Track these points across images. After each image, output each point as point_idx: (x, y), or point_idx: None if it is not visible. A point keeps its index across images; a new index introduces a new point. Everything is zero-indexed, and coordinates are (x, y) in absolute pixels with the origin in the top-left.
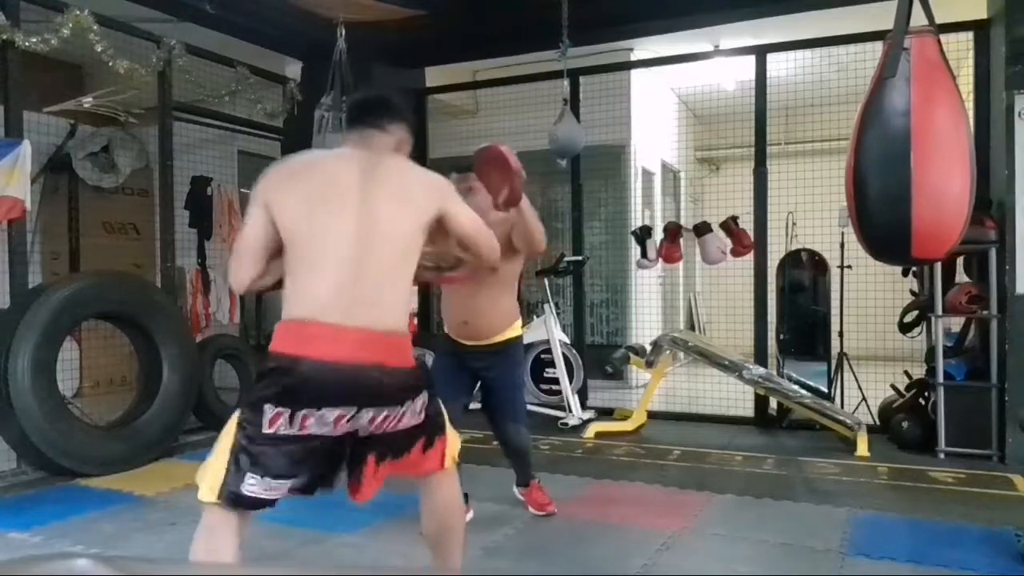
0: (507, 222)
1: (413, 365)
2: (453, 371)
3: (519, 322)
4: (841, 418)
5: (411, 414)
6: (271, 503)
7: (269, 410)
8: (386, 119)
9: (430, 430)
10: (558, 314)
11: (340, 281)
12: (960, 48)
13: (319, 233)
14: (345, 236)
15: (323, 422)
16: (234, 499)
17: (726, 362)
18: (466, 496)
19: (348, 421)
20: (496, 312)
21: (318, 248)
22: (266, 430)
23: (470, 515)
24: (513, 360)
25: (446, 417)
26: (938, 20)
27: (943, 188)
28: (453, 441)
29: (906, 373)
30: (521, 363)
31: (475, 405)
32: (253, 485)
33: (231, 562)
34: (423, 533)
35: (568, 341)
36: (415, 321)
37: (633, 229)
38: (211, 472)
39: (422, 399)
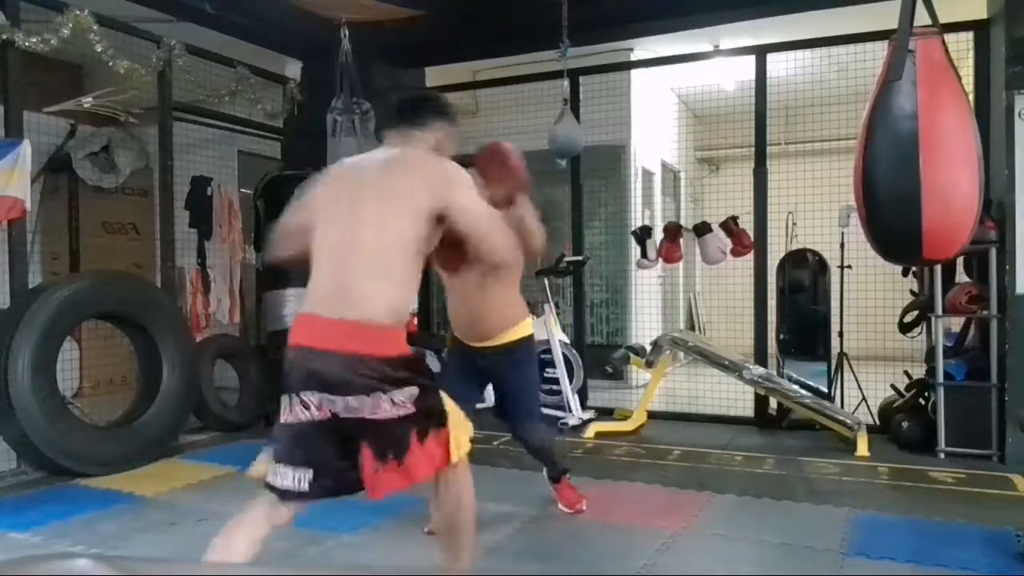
0: (508, 218)
1: (398, 355)
2: (462, 372)
3: (528, 320)
4: (841, 418)
5: (390, 404)
6: (302, 495)
7: (283, 400)
8: (426, 116)
9: (420, 422)
10: (558, 314)
11: (329, 277)
12: (960, 48)
13: (323, 235)
14: (338, 236)
15: (308, 405)
16: (268, 487)
17: (726, 362)
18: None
19: (328, 405)
20: (500, 311)
21: (321, 249)
22: (281, 419)
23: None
24: (522, 360)
25: (449, 412)
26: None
27: (952, 189)
28: (460, 435)
29: (906, 373)
30: (532, 362)
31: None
32: (270, 472)
33: (241, 548)
34: (432, 530)
35: (568, 341)
36: (415, 321)
37: (633, 229)
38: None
39: (408, 391)
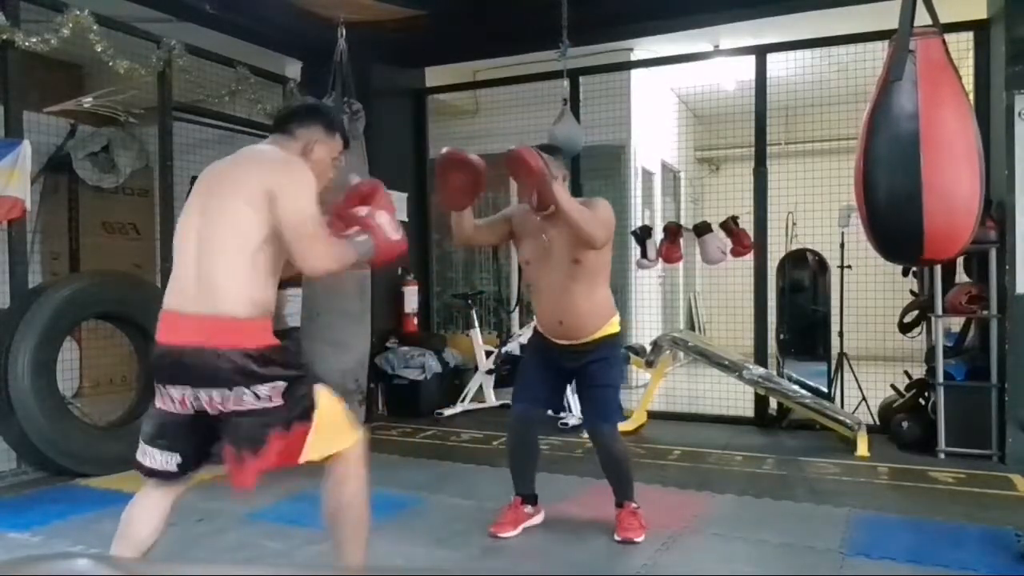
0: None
1: (257, 348)
2: (539, 372)
3: (616, 318)
4: (841, 418)
5: (253, 398)
6: (170, 476)
7: (156, 387)
8: (293, 124)
9: (287, 415)
10: None
11: (182, 273)
12: (960, 48)
13: (177, 231)
14: (188, 232)
15: (172, 399)
16: (137, 466)
17: (726, 362)
18: (535, 497)
19: (192, 401)
20: (591, 308)
21: (176, 245)
22: (157, 405)
23: (540, 518)
24: (608, 357)
25: (323, 408)
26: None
27: (953, 189)
28: (331, 434)
29: (906, 373)
30: (618, 361)
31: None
32: (139, 453)
33: (152, 527)
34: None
35: None
36: (415, 321)
37: (633, 229)
38: None
39: (271, 385)
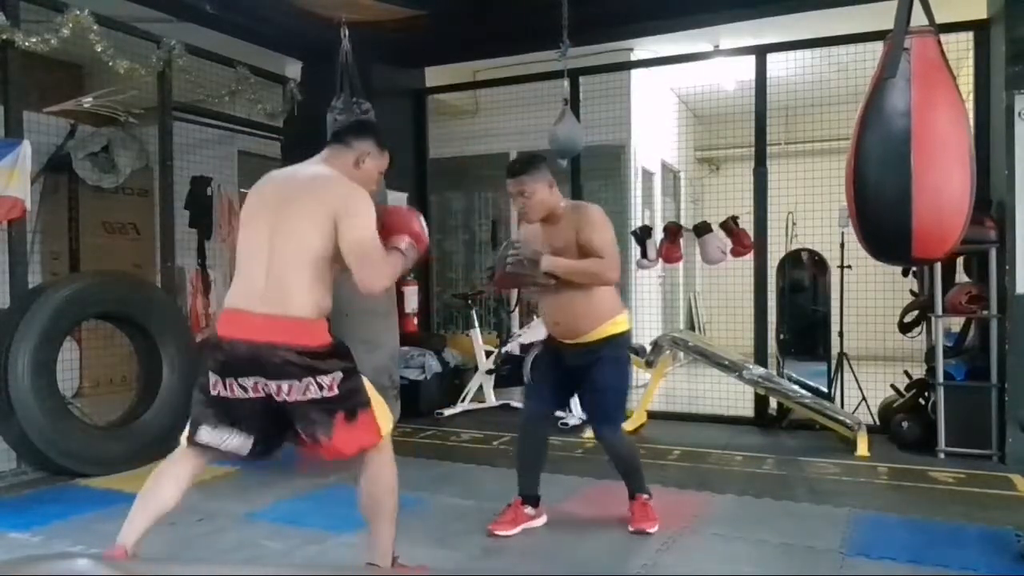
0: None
1: (319, 345)
2: (548, 374)
3: (623, 315)
4: (841, 418)
5: (317, 388)
6: (232, 456)
7: (212, 376)
8: (349, 136)
9: (347, 404)
10: None
11: (256, 276)
12: (960, 48)
13: (246, 240)
14: (261, 242)
15: (243, 387)
16: (197, 445)
17: (726, 362)
18: (537, 499)
19: (264, 387)
20: (590, 307)
21: (244, 253)
22: (212, 392)
23: (541, 520)
24: (609, 358)
25: (370, 395)
26: (938, 20)
27: (943, 188)
28: (383, 416)
29: (906, 373)
30: (621, 361)
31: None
32: (206, 434)
33: (174, 492)
34: (360, 509)
35: None
36: (415, 321)
37: (633, 229)
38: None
39: (331, 377)
